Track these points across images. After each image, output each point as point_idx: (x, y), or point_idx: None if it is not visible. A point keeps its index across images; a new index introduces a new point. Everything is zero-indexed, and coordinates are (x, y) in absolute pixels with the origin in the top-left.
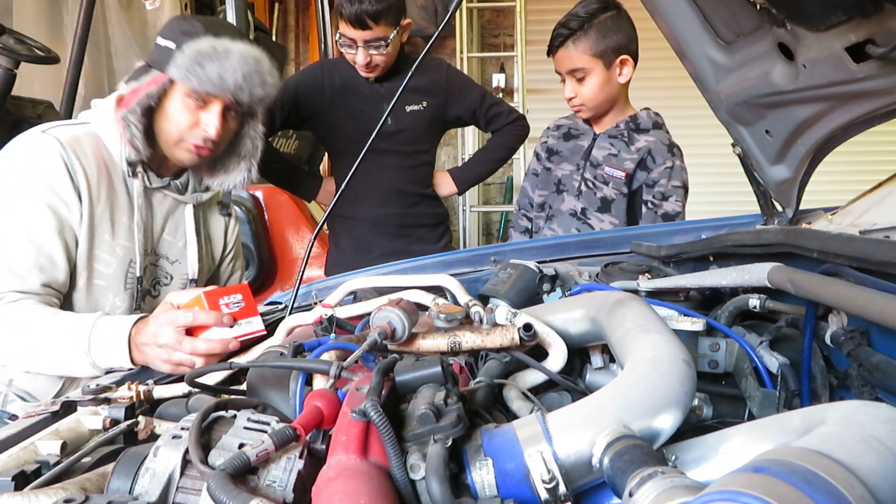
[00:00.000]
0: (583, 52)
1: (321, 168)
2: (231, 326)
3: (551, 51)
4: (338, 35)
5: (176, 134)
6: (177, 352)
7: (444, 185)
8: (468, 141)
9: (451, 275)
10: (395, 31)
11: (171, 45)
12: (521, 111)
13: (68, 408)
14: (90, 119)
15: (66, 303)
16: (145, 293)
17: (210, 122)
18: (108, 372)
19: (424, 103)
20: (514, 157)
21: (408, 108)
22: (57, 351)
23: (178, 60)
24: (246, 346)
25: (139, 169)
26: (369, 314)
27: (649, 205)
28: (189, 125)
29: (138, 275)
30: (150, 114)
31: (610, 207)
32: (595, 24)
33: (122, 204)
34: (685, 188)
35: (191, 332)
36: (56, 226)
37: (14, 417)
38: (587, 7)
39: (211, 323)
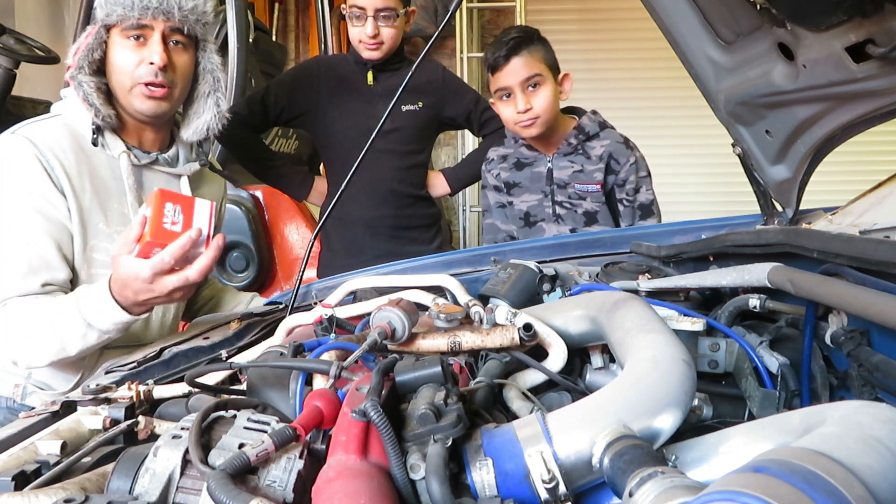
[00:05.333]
0: (538, 59)
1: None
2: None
3: (499, 64)
4: (346, 10)
5: (127, 79)
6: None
7: (438, 185)
8: (468, 141)
9: (451, 275)
10: (402, 9)
11: None
12: None
13: (68, 408)
14: (60, 110)
15: None
16: None
17: (153, 51)
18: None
19: (420, 103)
20: None
21: (404, 108)
22: (59, 335)
23: (100, 1)
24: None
25: (122, 148)
26: (369, 314)
27: (625, 202)
28: (135, 63)
29: None
30: (102, 73)
31: (596, 218)
32: (538, 38)
33: (110, 189)
34: (650, 174)
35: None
36: (45, 227)
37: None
38: (519, 29)
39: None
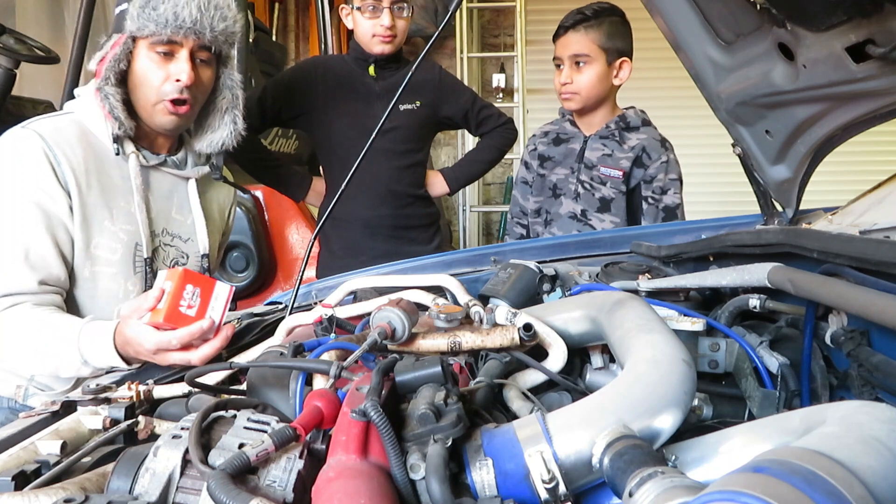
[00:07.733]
0: (592, 40)
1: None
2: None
3: (559, 34)
4: (348, 9)
5: (152, 95)
6: (166, 354)
7: (437, 185)
8: (468, 141)
9: (451, 275)
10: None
11: (125, 4)
12: (521, 111)
13: (68, 408)
14: (73, 108)
15: (72, 295)
16: None
17: (180, 69)
18: (108, 371)
19: (418, 102)
20: (513, 157)
21: (402, 107)
22: (55, 360)
23: (132, 12)
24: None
25: (131, 149)
26: (369, 314)
27: (650, 200)
28: (161, 80)
29: (146, 256)
30: (124, 82)
31: (610, 207)
32: (607, 20)
33: (118, 188)
34: (680, 180)
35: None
36: (44, 222)
37: None
38: (599, 6)
39: (181, 338)
